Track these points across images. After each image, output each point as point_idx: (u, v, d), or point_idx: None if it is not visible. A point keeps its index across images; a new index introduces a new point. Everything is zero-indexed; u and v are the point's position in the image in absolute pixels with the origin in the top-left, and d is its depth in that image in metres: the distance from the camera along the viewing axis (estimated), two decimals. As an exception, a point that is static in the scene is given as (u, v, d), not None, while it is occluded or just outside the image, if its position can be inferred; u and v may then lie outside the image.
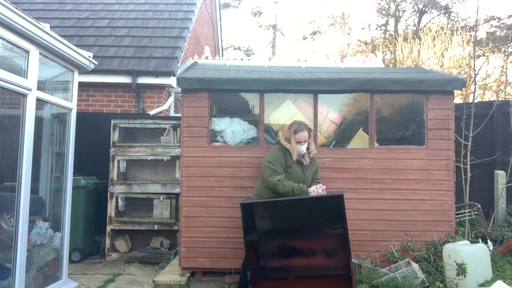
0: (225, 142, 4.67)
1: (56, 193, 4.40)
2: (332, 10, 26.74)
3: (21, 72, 3.54)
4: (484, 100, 13.75)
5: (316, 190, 3.75)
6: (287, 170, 3.84)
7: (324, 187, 3.81)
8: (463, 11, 23.50)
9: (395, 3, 19.87)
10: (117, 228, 5.69)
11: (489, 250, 4.49)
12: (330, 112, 4.86)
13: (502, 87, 15.32)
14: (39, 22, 3.60)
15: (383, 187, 4.50)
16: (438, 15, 19.01)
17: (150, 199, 5.72)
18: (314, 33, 24.06)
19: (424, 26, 17.35)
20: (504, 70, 15.39)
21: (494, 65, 15.75)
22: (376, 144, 4.61)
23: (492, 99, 13.98)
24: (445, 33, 13.39)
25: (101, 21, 8.65)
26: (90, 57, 4.50)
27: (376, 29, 21.57)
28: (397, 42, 15.81)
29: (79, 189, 5.55)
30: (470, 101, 8.45)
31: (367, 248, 4.42)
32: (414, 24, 19.23)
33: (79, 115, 4.67)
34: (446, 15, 18.50)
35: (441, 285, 3.99)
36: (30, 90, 3.56)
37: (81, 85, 5.38)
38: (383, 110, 4.97)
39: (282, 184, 3.77)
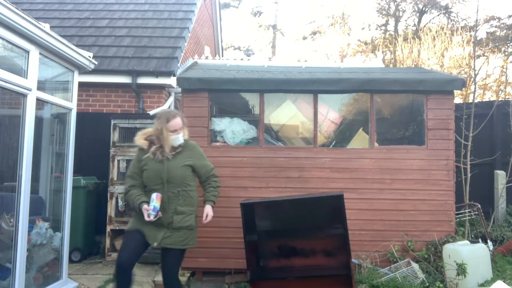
0: (225, 142, 4.67)
1: (56, 193, 4.40)
2: (332, 10, 26.72)
3: (21, 72, 3.53)
4: (484, 100, 13.74)
5: (146, 212, 3.05)
6: (143, 170, 3.20)
7: (152, 213, 3.02)
8: (463, 11, 23.50)
9: (395, 3, 19.87)
10: (117, 228, 5.68)
11: (489, 250, 4.49)
12: (330, 112, 4.86)
13: (502, 87, 15.32)
14: (39, 22, 3.60)
15: (383, 187, 4.51)
16: (438, 15, 19.01)
17: (150, 199, 5.71)
18: (314, 33, 24.06)
19: (424, 26, 17.35)
20: (504, 70, 15.39)
21: (494, 65, 15.75)
22: (376, 144, 4.61)
23: (492, 99, 13.98)
24: (445, 33, 13.38)
25: (101, 21, 8.64)
26: (90, 57, 4.49)
27: (376, 29, 21.58)
28: (397, 42, 15.80)
29: (79, 189, 5.54)
30: (470, 101, 8.45)
31: (367, 248, 4.43)
32: (414, 24, 19.23)
33: (79, 115, 4.66)
34: (446, 15, 18.49)
35: (441, 285, 3.99)
36: (30, 90, 3.56)
37: (81, 85, 5.37)
38: (383, 110, 4.97)
39: (129, 194, 3.24)
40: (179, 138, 3.21)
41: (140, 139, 3.27)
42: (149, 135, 3.27)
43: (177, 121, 3.19)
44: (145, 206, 3.03)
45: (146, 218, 3.00)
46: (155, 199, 3.04)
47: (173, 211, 3.09)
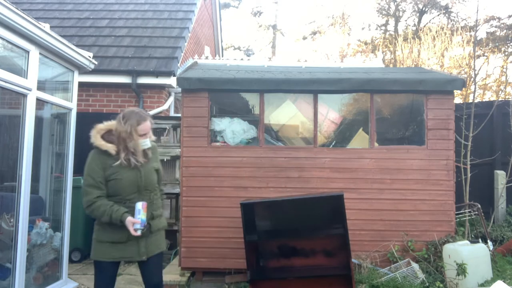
0: (225, 142, 4.67)
1: (56, 193, 4.40)
2: (332, 10, 26.73)
3: (21, 72, 3.54)
4: (484, 100, 13.74)
5: (132, 226, 2.64)
6: (111, 179, 2.75)
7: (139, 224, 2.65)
8: (463, 11, 23.50)
9: (395, 3, 19.87)
10: (117, 228, 5.68)
11: (489, 250, 4.49)
12: (330, 112, 4.86)
13: (502, 87, 15.32)
14: (39, 22, 3.60)
15: (383, 187, 4.50)
16: (438, 15, 19.01)
17: (150, 199, 5.71)
18: (314, 33, 24.07)
19: (424, 26, 17.35)
20: (504, 70, 15.38)
21: (494, 65, 15.75)
22: (376, 144, 4.61)
23: (492, 99, 13.98)
24: (445, 33, 13.38)
25: (101, 21, 8.64)
26: (90, 57, 4.49)
27: (376, 29, 21.59)
28: (397, 42, 15.80)
29: (79, 189, 5.50)
30: (470, 101, 8.46)
31: (367, 248, 4.43)
32: (414, 24, 19.24)
33: (79, 115, 4.67)
34: (446, 15, 18.50)
35: (441, 285, 3.99)
36: (30, 90, 3.56)
37: (81, 85, 5.37)
38: (383, 110, 4.97)
39: (97, 206, 2.70)
40: (147, 142, 2.87)
41: (102, 141, 2.80)
42: (106, 131, 2.88)
43: (147, 125, 2.86)
44: (130, 218, 2.62)
45: (133, 233, 2.62)
46: (142, 210, 2.64)
47: (149, 217, 2.79)
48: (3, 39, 3.26)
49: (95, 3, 9.39)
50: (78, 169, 5.29)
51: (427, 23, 18.61)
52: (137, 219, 2.62)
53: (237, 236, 4.22)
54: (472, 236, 5.38)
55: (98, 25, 8.50)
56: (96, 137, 2.84)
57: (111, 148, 2.77)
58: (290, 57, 24.52)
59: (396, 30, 19.60)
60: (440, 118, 4.56)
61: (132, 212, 2.67)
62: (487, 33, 16.29)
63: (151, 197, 2.87)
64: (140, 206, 2.66)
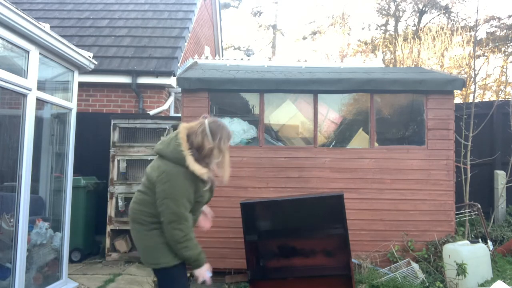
0: (225, 142, 4.66)
1: (56, 193, 4.40)
2: (332, 10, 26.74)
3: (21, 72, 3.53)
4: (484, 100, 13.74)
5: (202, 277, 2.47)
6: (195, 202, 2.48)
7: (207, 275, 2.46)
8: (463, 11, 23.54)
9: (395, 3, 19.87)
10: (117, 228, 5.68)
11: (489, 250, 4.49)
12: (330, 112, 4.87)
13: (502, 87, 15.32)
14: (39, 22, 3.60)
15: (383, 187, 4.51)
16: (438, 15, 19.02)
17: (150, 199, 5.70)
18: (314, 33, 24.08)
19: (424, 26, 17.36)
20: (504, 70, 15.39)
21: (494, 65, 15.76)
22: (376, 144, 4.61)
23: (492, 99, 13.98)
24: (445, 33, 13.38)
25: (101, 21, 8.64)
26: (90, 57, 4.49)
27: (376, 29, 21.60)
28: (397, 42, 15.80)
29: (79, 189, 5.54)
30: (470, 101, 8.45)
31: (367, 248, 4.43)
32: (414, 24, 19.24)
33: (79, 115, 4.67)
34: (446, 15, 18.50)
35: (441, 285, 3.99)
36: (30, 90, 3.56)
37: (81, 85, 5.38)
38: (383, 110, 4.97)
39: (191, 238, 2.39)
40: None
41: (201, 169, 2.39)
42: (190, 135, 2.48)
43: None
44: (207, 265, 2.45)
45: (200, 281, 2.43)
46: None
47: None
48: (3, 39, 3.26)
49: (95, 3, 9.40)
50: (78, 169, 5.32)
51: (427, 23, 18.61)
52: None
53: (237, 236, 4.22)
54: (472, 236, 5.38)
55: (98, 25, 8.50)
56: (191, 160, 2.38)
57: (206, 175, 2.44)
58: (290, 57, 24.57)
59: (396, 30, 19.61)
60: (440, 118, 4.56)
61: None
62: (487, 33, 16.30)
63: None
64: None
